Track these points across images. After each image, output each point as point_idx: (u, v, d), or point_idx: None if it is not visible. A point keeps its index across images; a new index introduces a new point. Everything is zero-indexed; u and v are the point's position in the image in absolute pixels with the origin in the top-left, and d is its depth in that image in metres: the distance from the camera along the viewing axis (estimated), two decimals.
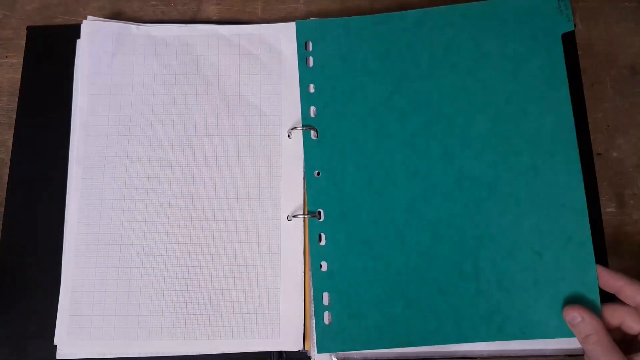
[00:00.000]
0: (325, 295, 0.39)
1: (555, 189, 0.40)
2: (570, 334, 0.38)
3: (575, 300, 0.39)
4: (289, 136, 0.43)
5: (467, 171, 0.41)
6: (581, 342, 0.36)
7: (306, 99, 0.44)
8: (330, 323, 0.39)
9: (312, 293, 0.39)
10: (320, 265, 0.40)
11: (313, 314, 0.39)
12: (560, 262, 0.39)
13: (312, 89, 0.44)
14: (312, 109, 0.43)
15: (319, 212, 0.41)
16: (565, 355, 0.40)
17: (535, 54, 0.42)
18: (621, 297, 0.37)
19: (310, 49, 0.45)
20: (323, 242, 0.40)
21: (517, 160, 0.41)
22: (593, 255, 0.39)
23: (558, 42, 0.42)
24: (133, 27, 0.46)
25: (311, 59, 0.45)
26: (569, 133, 0.41)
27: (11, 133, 0.44)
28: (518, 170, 0.41)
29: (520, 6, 0.43)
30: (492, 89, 0.42)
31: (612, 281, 0.38)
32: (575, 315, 0.37)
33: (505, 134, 0.41)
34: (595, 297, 0.39)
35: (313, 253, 0.40)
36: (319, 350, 0.38)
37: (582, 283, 0.39)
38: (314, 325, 0.39)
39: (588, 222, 0.40)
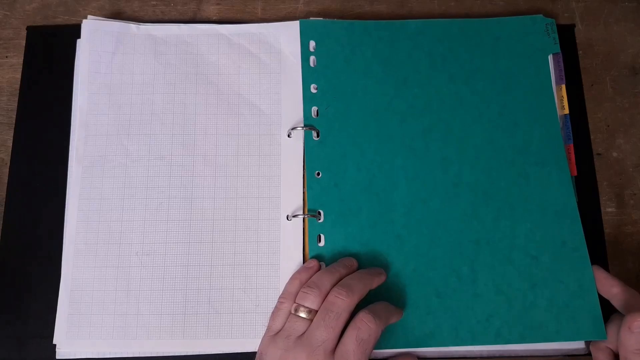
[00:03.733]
0: None
1: (547, 196, 0.41)
2: (568, 339, 0.38)
3: (574, 304, 0.39)
4: (289, 136, 0.43)
5: (464, 177, 0.42)
6: (629, 352, 0.34)
7: (309, 99, 0.44)
8: None
9: None
10: (320, 266, 0.40)
11: None
12: (557, 266, 0.40)
13: (314, 89, 0.44)
14: (314, 109, 0.43)
15: (319, 213, 0.41)
16: (565, 355, 0.40)
17: (525, 72, 0.45)
18: (614, 304, 0.37)
19: (314, 48, 0.45)
20: (322, 243, 0.40)
21: (509, 169, 0.42)
22: (588, 260, 0.40)
23: (546, 62, 0.45)
24: (133, 27, 0.46)
25: (314, 58, 0.45)
26: (558, 145, 0.43)
27: (11, 133, 0.44)
28: (510, 178, 0.42)
29: (512, 27, 0.46)
30: (486, 100, 0.44)
31: (607, 287, 0.38)
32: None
33: (498, 143, 0.43)
34: (595, 301, 0.39)
35: (312, 253, 0.40)
36: None
37: (579, 286, 0.39)
38: None
39: (581, 228, 0.41)
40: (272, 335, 0.35)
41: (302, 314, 0.35)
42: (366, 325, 0.33)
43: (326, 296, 0.35)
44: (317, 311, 0.34)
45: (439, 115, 0.43)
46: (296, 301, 0.36)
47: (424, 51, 0.45)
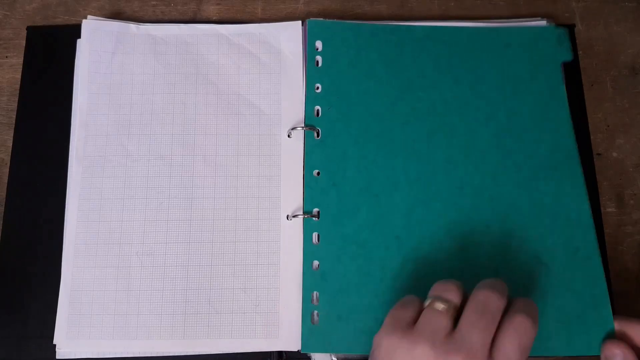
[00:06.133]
0: (315, 294, 0.39)
1: (559, 203, 0.40)
2: (579, 352, 0.37)
3: (586, 315, 0.38)
4: (289, 136, 0.43)
5: (469, 180, 0.41)
6: None
7: (312, 99, 0.44)
8: (317, 323, 0.38)
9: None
10: (312, 264, 0.40)
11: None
12: (569, 275, 0.39)
13: (318, 89, 0.44)
14: (317, 108, 0.43)
15: (317, 212, 0.41)
16: (566, 355, 0.39)
17: (535, 79, 0.44)
18: None
19: (320, 49, 0.45)
20: (317, 241, 0.40)
21: (517, 174, 0.41)
22: (602, 269, 0.39)
23: (558, 70, 0.44)
24: (133, 27, 0.46)
25: (320, 59, 0.45)
26: (571, 151, 0.42)
27: (11, 133, 0.44)
28: (519, 182, 0.41)
29: (523, 35, 0.45)
30: (494, 105, 0.43)
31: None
32: (618, 353, 0.34)
33: (506, 148, 0.42)
34: (607, 311, 0.37)
35: (306, 251, 0.40)
36: (303, 349, 0.38)
37: (591, 296, 0.38)
38: None
39: (595, 236, 0.40)
40: (405, 331, 0.31)
41: (441, 307, 0.31)
42: (529, 332, 0.30)
43: (464, 295, 0.32)
44: (456, 306, 0.31)
45: (443, 118, 0.43)
46: (434, 293, 0.32)
47: (429, 55, 0.45)
